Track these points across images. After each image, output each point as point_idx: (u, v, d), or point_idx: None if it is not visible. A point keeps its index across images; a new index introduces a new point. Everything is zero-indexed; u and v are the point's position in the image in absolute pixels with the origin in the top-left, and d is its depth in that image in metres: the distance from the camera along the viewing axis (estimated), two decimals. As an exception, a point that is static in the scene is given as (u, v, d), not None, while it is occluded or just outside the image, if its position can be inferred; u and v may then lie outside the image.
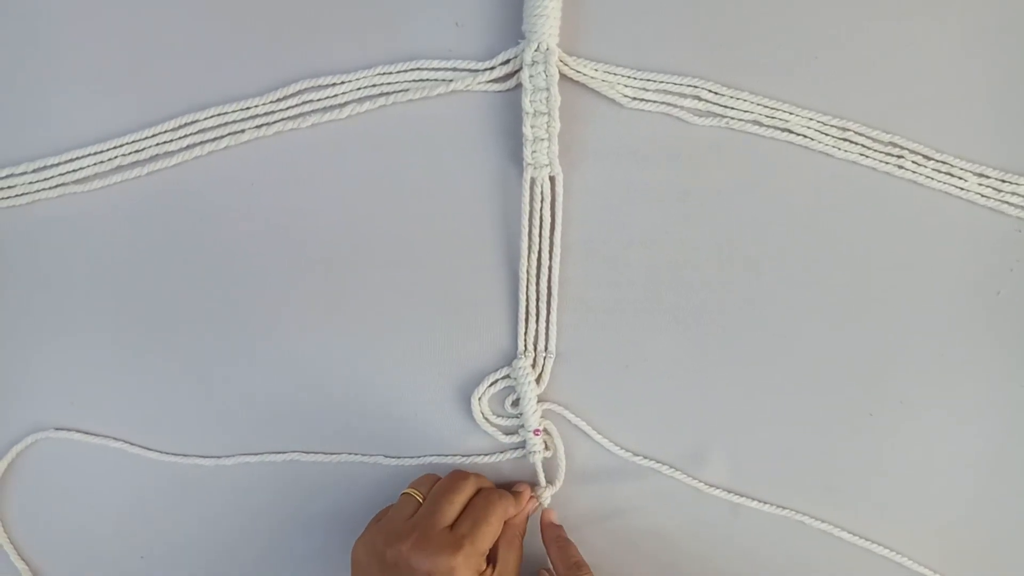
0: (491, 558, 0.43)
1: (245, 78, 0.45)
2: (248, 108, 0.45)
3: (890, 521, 0.49)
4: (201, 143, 0.46)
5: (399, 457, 0.49)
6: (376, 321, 0.47)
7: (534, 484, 0.48)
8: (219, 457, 0.50)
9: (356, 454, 0.49)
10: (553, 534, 0.47)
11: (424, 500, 0.43)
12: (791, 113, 0.45)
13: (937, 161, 0.46)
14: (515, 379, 0.47)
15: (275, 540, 0.51)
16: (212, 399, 0.49)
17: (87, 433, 0.50)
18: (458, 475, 0.45)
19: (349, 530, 0.50)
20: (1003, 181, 0.46)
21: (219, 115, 0.45)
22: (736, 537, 0.50)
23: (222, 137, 0.46)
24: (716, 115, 0.45)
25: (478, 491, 0.45)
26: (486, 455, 0.49)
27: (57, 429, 0.50)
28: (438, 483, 0.45)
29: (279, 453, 0.49)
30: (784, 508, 0.49)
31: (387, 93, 0.45)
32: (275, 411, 0.49)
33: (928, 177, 0.46)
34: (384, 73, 0.45)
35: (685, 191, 0.46)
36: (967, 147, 0.46)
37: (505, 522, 0.45)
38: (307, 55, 0.45)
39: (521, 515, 0.47)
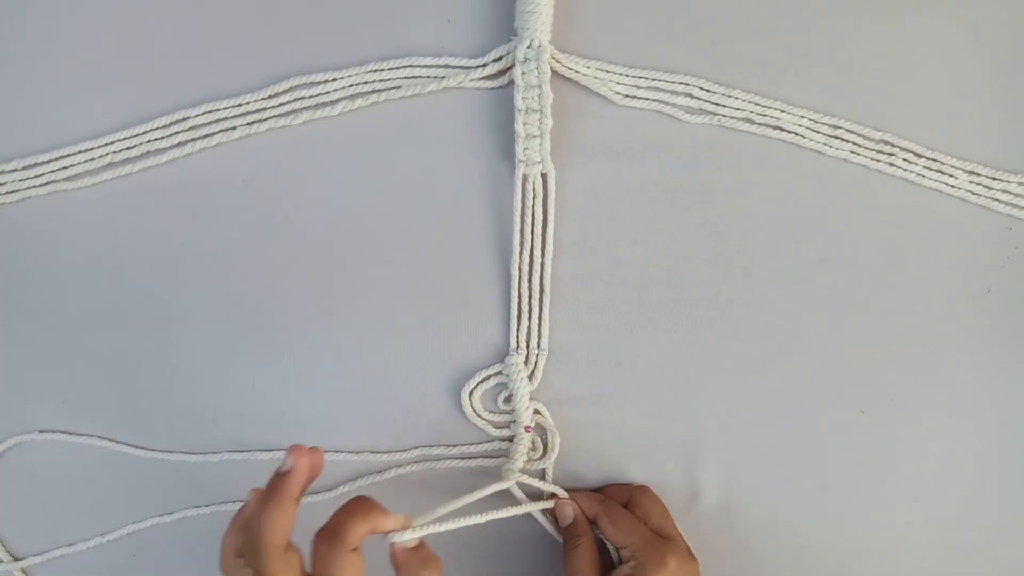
0: None
1: (237, 75, 0.45)
2: (240, 105, 0.45)
3: (882, 518, 0.49)
4: (192, 140, 0.45)
5: (388, 452, 0.49)
6: (368, 318, 0.47)
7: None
8: (205, 454, 0.49)
9: (343, 452, 0.48)
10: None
11: None
12: (783, 111, 0.45)
13: (928, 159, 0.46)
14: (507, 376, 0.46)
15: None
16: (199, 396, 0.48)
17: (71, 433, 0.49)
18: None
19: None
20: (994, 179, 0.46)
21: (210, 112, 0.45)
22: (728, 533, 0.49)
23: (213, 134, 0.45)
24: (708, 113, 0.45)
25: None
26: (474, 444, 0.48)
27: (41, 432, 0.49)
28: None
29: (266, 451, 0.49)
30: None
31: (379, 90, 0.45)
32: (263, 407, 0.48)
33: (919, 175, 0.46)
34: (376, 70, 0.45)
35: (677, 188, 0.46)
36: (958, 145, 0.46)
37: None
38: (299, 52, 0.45)
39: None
